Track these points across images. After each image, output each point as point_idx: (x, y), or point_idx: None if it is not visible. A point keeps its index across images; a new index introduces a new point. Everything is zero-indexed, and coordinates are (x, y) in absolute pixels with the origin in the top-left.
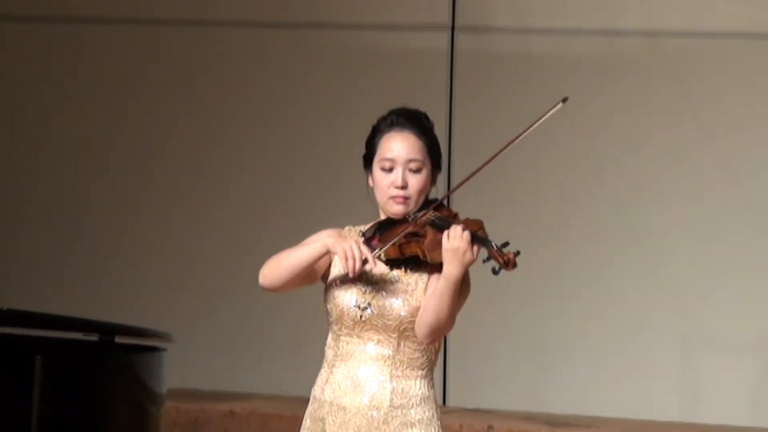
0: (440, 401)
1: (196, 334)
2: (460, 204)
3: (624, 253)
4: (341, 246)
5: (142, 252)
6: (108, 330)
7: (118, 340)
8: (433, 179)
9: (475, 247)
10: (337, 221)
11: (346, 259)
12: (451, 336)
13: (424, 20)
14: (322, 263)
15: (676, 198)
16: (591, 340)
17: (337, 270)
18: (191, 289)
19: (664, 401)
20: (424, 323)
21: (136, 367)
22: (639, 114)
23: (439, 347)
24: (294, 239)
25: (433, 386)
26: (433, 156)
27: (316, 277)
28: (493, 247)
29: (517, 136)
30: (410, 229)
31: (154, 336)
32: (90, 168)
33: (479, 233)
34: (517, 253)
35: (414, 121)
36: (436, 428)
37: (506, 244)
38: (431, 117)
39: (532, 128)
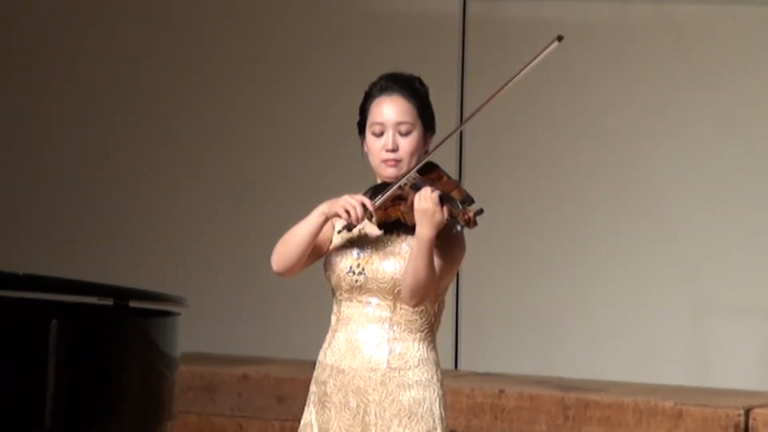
0: (451, 366)
1: (210, 299)
2: (469, 171)
3: (634, 219)
4: (337, 205)
5: (155, 216)
6: (123, 294)
7: (133, 304)
8: (426, 142)
9: (445, 208)
10: (345, 186)
11: (348, 214)
12: (463, 301)
13: None
14: (325, 240)
15: (686, 163)
16: (602, 304)
17: (338, 241)
18: (205, 253)
19: (675, 365)
20: (405, 286)
21: (150, 331)
22: (651, 80)
23: (440, 310)
24: (305, 205)
25: (433, 348)
26: (425, 118)
27: (322, 253)
28: (457, 206)
29: (510, 80)
30: (396, 192)
31: (168, 300)
32: (102, 132)
33: (454, 193)
34: (479, 212)
35: (403, 84)
36: (435, 389)
37: (471, 202)
38: (443, 83)
39: (523, 71)
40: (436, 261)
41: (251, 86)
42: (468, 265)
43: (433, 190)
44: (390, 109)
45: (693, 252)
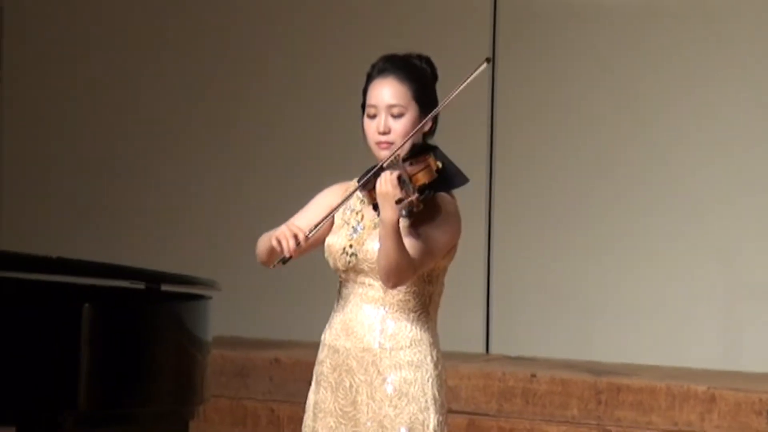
0: (483, 349)
1: (242, 282)
2: (502, 150)
3: (667, 202)
4: (275, 236)
5: (186, 201)
6: (155, 278)
7: (165, 288)
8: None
9: (404, 191)
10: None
11: (280, 245)
12: (494, 284)
13: None
14: (327, 226)
15: (719, 146)
16: (633, 288)
17: (337, 222)
18: (236, 236)
19: (707, 349)
20: (379, 268)
21: (182, 315)
22: (684, 64)
23: (436, 291)
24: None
25: (428, 329)
26: (421, 100)
27: (317, 245)
28: (408, 189)
29: (443, 103)
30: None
31: (200, 284)
32: (135, 118)
33: (419, 175)
34: (427, 195)
35: (398, 65)
36: (428, 370)
37: (424, 189)
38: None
39: (456, 93)
40: (418, 244)
41: (281, 70)
42: (499, 248)
43: (392, 173)
44: (383, 92)
45: (726, 235)
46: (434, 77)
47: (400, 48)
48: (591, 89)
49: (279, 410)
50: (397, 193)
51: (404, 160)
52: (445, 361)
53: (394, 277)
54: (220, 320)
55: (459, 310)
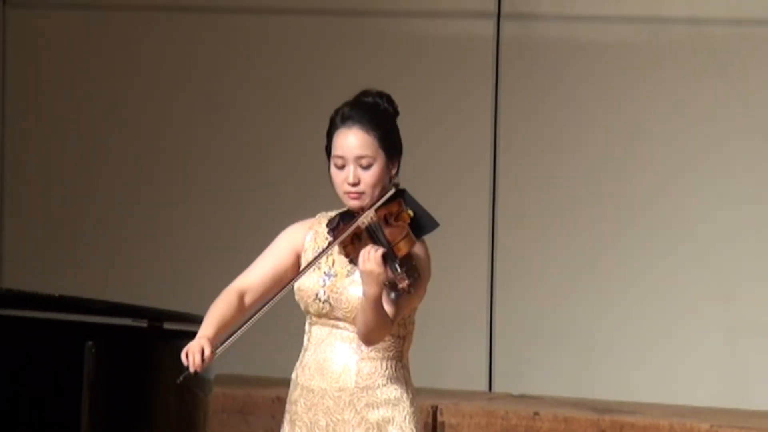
0: (486, 387)
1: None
2: (504, 189)
3: (669, 239)
4: (184, 350)
5: (188, 239)
6: (157, 316)
7: (167, 326)
8: (390, 169)
9: (387, 268)
10: None
11: (187, 358)
12: (497, 322)
13: (470, 7)
14: (292, 268)
15: (721, 184)
16: (637, 325)
17: (303, 262)
18: (236, 275)
19: (710, 387)
20: (358, 332)
21: None
22: (684, 102)
23: (409, 331)
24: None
25: (403, 367)
26: (387, 147)
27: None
28: (396, 270)
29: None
30: (354, 231)
31: (202, 322)
32: (125, 158)
33: (401, 244)
34: (417, 278)
35: (363, 114)
36: (405, 407)
37: (411, 267)
38: (477, 104)
39: (367, 214)
40: (394, 308)
41: (288, 106)
42: (502, 286)
43: (377, 250)
44: (350, 143)
45: (728, 272)
46: (395, 113)
47: (401, 78)
48: (593, 128)
49: None
50: (382, 272)
51: (377, 209)
52: (447, 400)
53: (373, 339)
54: (222, 358)
55: (462, 348)
